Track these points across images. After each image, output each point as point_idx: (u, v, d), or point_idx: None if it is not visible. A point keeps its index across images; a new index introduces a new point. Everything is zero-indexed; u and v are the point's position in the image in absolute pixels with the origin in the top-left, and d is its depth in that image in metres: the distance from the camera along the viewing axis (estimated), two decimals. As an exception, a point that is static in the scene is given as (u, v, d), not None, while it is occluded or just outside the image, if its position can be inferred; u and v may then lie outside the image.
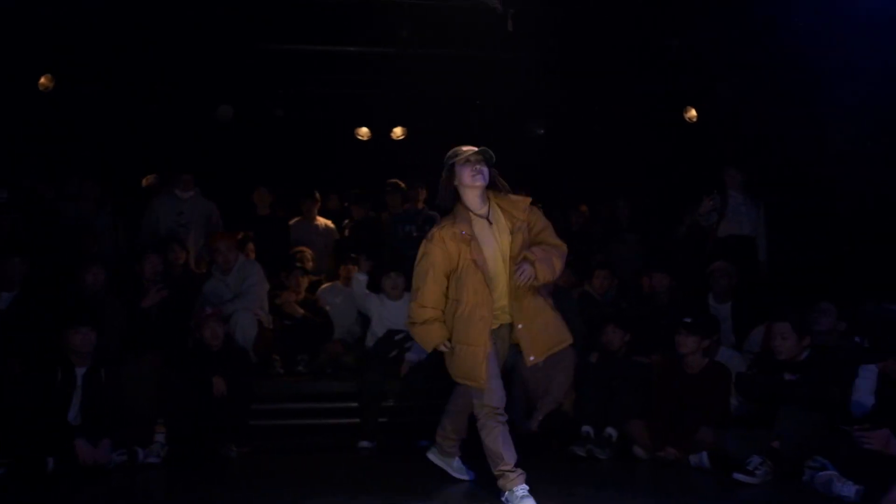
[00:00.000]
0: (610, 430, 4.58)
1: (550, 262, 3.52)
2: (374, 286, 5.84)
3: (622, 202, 7.24)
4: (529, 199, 3.63)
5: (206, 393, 4.84)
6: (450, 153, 3.58)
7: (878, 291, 4.87)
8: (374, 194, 7.62)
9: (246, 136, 8.34)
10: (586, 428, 4.61)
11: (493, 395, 3.52)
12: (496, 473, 3.53)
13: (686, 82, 7.73)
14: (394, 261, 6.17)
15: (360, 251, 6.21)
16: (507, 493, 3.48)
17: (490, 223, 3.57)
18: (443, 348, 3.60)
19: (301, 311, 6.00)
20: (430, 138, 8.82)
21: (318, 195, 7.51)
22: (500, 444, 3.49)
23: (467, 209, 3.56)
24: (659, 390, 4.61)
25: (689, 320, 4.51)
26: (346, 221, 7.44)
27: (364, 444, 5.09)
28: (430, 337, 3.58)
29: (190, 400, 4.82)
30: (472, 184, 3.50)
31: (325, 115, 8.70)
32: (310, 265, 6.59)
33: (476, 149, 3.53)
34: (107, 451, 4.42)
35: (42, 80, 7.14)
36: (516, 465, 3.51)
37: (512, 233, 3.56)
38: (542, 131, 8.81)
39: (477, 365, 3.47)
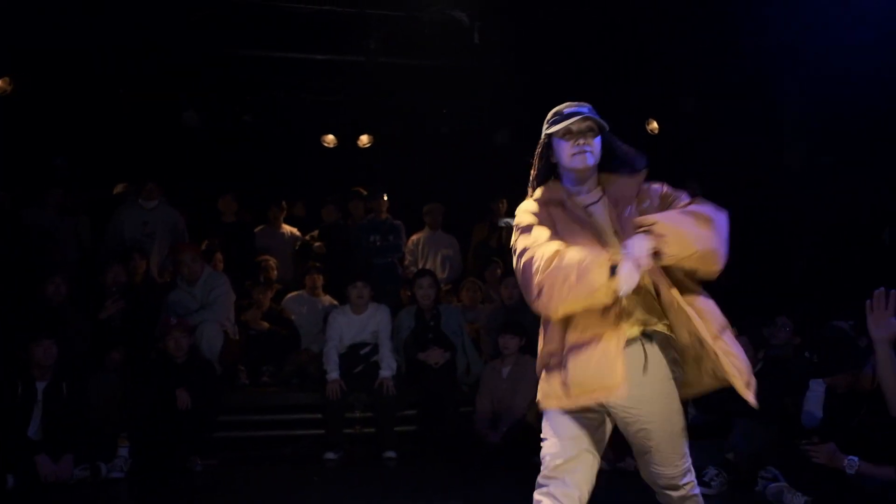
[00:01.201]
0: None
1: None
2: (339, 296, 5.86)
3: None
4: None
5: (170, 405, 4.82)
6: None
7: (831, 307, 5.04)
8: (342, 201, 7.64)
9: (212, 142, 8.28)
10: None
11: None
12: None
13: (650, 95, 7.91)
14: (360, 270, 6.22)
15: (327, 257, 6.18)
16: None
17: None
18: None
19: (266, 325, 6.00)
20: (396, 146, 8.92)
21: (284, 203, 7.50)
22: None
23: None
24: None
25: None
26: (315, 232, 7.43)
27: (330, 455, 5.11)
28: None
29: (154, 412, 4.80)
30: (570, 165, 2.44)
31: (292, 123, 8.69)
32: (274, 274, 6.58)
33: (584, 111, 2.44)
34: (69, 466, 4.39)
35: (0, 83, 7.01)
36: None
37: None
38: (508, 140, 8.90)
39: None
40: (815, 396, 4.02)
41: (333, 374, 5.24)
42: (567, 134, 2.44)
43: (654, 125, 8.03)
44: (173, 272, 5.98)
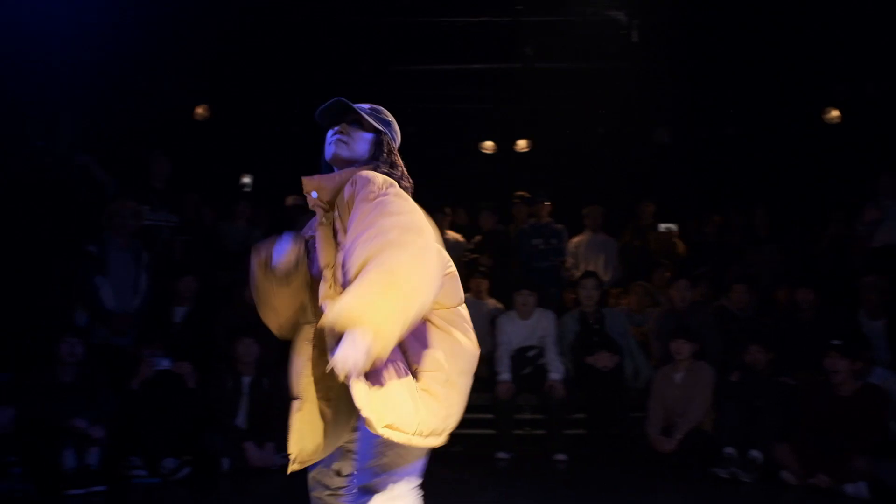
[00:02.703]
0: (754, 453, 4.53)
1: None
2: (504, 299, 6.01)
3: (760, 210, 6.96)
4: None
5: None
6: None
7: None
8: (501, 207, 7.81)
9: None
10: (729, 449, 4.59)
11: None
12: None
13: (828, 81, 7.43)
14: (523, 277, 6.35)
15: (489, 263, 6.34)
16: None
17: None
18: None
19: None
20: (554, 150, 8.99)
21: (447, 209, 7.78)
22: None
23: None
24: (807, 413, 4.50)
25: (838, 343, 4.37)
26: (478, 238, 7.65)
27: (501, 454, 5.29)
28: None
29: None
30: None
31: (451, 131, 9.00)
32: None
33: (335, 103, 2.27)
34: (272, 453, 4.87)
35: (198, 110, 7.83)
36: None
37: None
38: (668, 140, 8.71)
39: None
40: None
41: (505, 375, 5.41)
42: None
43: (834, 114, 7.53)
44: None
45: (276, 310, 2.26)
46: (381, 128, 2.30)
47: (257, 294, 2.25)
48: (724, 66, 7.72)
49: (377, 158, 2.26)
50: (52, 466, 4.17)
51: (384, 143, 2.29)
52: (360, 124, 2.28)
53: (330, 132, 2.27)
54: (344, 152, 2.25)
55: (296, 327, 2.29)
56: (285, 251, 2.16)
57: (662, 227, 7.33)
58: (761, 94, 7.93)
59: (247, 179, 8.09)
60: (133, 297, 5.39)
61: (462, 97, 8.67)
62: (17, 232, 5.57)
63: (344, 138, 2.24)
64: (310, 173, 2.26)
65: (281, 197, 7.70)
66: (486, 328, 6.27)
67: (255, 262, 2.22)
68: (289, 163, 8.46)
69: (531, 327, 5.60)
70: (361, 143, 2.27)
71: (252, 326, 5.16)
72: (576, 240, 7.46)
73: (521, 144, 9.03)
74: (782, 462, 4.47)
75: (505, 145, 9.06)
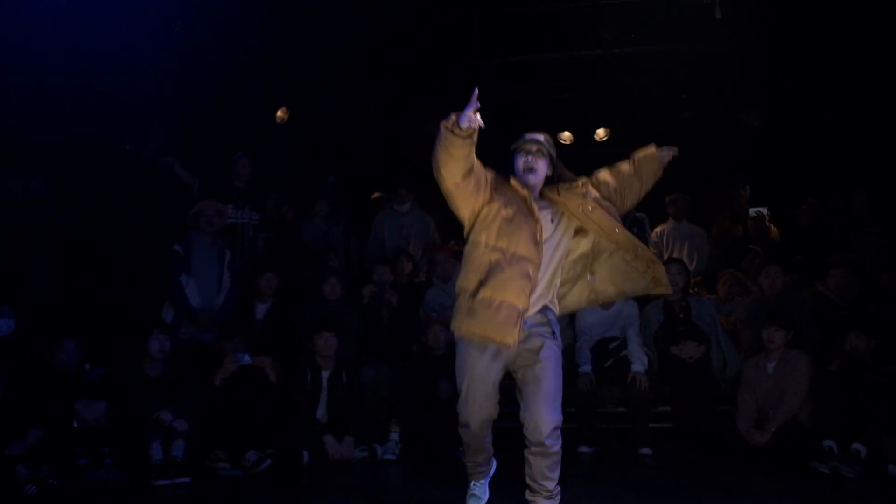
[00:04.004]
0: (857, 446, 4.24)
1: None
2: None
3: (859, 193, 6.58)
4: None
5: (433, 395, 5.18)
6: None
7: None
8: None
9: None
10: (828, 442, 4.31)
11: (470, 403, 3.28)
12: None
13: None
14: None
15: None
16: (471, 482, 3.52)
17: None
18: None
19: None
20: (635, 137, 8.69)
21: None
22: (470, 446, 3.43)
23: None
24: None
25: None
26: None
27: (584, 448, 5.14)
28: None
29: (419, 401, 5.18)
30: (521, 177, 3.23)
31: (528, 122, 8.85)
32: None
33: (539, 138, 3.24)
34: (350, 447, 4.90)
35: (279, 113, 8.02)
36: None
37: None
38: (759, 123, 8.27)
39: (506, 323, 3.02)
40: None
41: (585, 367, 5.26)
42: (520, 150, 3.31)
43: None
44: (428, 272, 6.41)
45: (459, 159, 3.06)
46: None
47: (442, 149, 3.06)
48: (816, 43, 7.27)
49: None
50: (141, 458, 4.32)
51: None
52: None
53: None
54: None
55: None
56: (469, 116, 2.99)
57: (753, 211, 6.98)
58: (855, 73, 7.43)
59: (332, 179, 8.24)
60: (217, 295, 5.55)
61: (540, 87, 8.51)
62: (109, 233, 5.85)
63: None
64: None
65: (358, 194, 7.78)
66: (565, 319, 6.11)
67: (444, 125, 3.03)
68: (366, 161, 8.58)
69: (612, 317, 5.43)
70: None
71: (332, 321, 5.25)
72: (659, 229, 7.21)
73: (601, 133, 8.79)
74: (889, 456, 4.17)
75: (584, 135, 8.84)
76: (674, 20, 6.94)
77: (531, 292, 3.09)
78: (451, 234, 7.15)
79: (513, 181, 3.20)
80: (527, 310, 3.09)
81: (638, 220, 6.95)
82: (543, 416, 3.06)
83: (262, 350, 5.22)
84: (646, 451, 5.01)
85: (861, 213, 6.55)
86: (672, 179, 7.61)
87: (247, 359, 5.00)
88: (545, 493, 3.21)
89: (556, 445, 3.10)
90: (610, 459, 5.03)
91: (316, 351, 5.13)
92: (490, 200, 3.15)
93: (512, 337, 3.03)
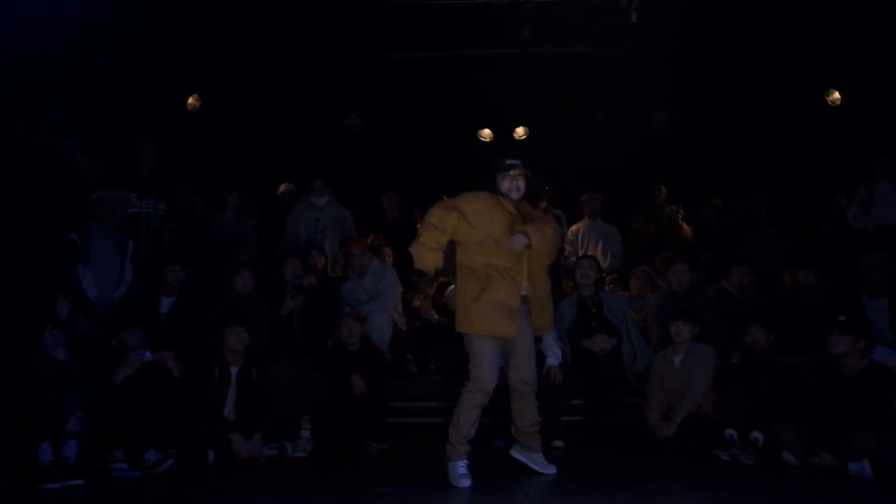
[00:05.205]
0: (756, 434, 4.40)
1: (542, 230, 4.02)
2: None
3: (759, 194, 6.90)
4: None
5: (346, 391, 5.06)
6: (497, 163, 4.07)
7: None
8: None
9: (374, 143, 8.62)
10: (730, 431, 4.46)
11: (491, 377, 4.01)
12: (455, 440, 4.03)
13: (828, 63, 7.27)
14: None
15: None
16: (450, 462, 4.01)
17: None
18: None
19: (436, 315, 6.16)
20: (552, 136, 8.82)
21: (445, 198, 7.63)
22: (475, 418, 4.08)
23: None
24: (812, 393, 4.37)
25: (842, 318, 4.26)
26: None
27: (498, 443, 5.13)
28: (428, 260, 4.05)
29: (332, 397, 5.06)
30: (507, 195, 4.02)
31: (447, 119, 8.85)
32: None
33: (518, 164, 4.03)
34: (259, 444, 4.73)
35: (190, 100, 7.70)
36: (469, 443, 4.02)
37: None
38: (667, 123, 8.53)
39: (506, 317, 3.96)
40: None
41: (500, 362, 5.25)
42: (506, 175, 4.03)
43: (836, 95, 7.37)
44: (344, 266, 6.29)
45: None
46: None
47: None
48: (723, 48, 7.55)
49: None
50: (28, 460, 4.02)
51: None
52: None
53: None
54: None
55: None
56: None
57: (668, 209, 7.23)
58: (761, 77, 7.77)
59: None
60: (117, 287, 5.27)
61: (458, 84, 8.51)
62: (-3, 220, 5.44)
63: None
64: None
65: (272, 187, 7.57)
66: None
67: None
68: (282, 154, 8.35)
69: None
70: None
71: (242, 315, 5.06)
72: (574, 227, 7.32)
73: (520, 132, 8.87)
74: (784, 443, 4.34)
75: (503, 133, 8.90)
76: (591, 22, 7.07)
77: (517, 292, 4.01)
78: (368, 228, 7.05)
79: (501, 200, 4.01)
80: (518, 306, 4.02)
81: (556, 216, 7.03)
82: (532, 369, 4.16)
83: (166, 345, 4.97)
84: (558, 443, 5.05)
85: (761, 214, 6.86)
86: (587, 179, 7.85)
87: (147, 355, 4.75)
88: (537, 429, 4.22)
89: (535, 387, 4.18)
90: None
91: (225, 346, 4.93)
92: (472, 228, 3.95)
93: (512, 329, 3.99)
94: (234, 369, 4.91)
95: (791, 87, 7.69)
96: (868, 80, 7.02)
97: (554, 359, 5.21)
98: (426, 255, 4.01)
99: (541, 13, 7.10)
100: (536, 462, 4.23)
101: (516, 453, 4.29)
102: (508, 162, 4.02)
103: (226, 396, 4.87)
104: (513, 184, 3.99)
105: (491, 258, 3.96)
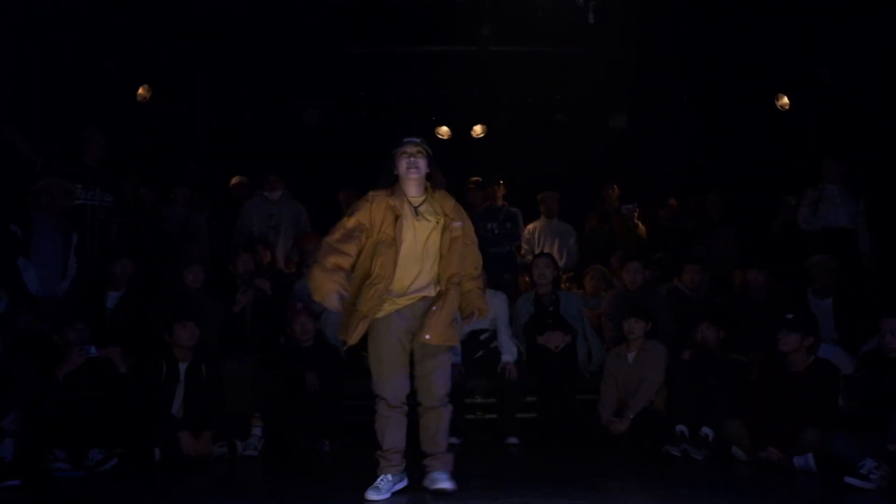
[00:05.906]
0: (706, 430, 4.46)
1: (483, 299, 3.79)
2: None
3: (713, 195, 7.03)
4: (453, 202, 3.76)
5: (299, 388, 4.98)
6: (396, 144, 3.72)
7: None
8: (457, 194, 7.63)
9: (331, 138, 8.53)
10: (681, 427, 4.51)
11: (390, 386, 3.67)
12: (377, 455, 3.69)
13: (778, 68, 7.45)
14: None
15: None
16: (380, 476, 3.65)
17: (417, 214, 3.64)
18: (334, 301, 3.44)
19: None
20: (510, 135, 8.84)
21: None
22: (387, 428, 3.70)
23: (404, 194, 3.67)
24: (760, 389, 4.45)
25: (790, 317, 4.34)
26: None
27: (451, 440, 5.09)
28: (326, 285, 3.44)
29: (284, 394, 4.97)
30: (406, 176, 3.63)
31: (406, 116, 8.81)
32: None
33: (416, 141, 3.67)
34: (208, 443, 4.61)
35: (140, 90, 7.50)
36: (400, 453, 3.69)
37: (440, 229, 3.66)
38: (625, 125, 8.64)
39: (353, 326, 3.60)
40: None
41: (455, 359, 5.23)
42: (403, 154, 3.64)
43: (785, 100, 7.55)
44: (299, 262, 6.18)
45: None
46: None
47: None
48: (678, 51, 7.68)
49: None
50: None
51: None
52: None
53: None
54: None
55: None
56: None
57: (625, 208, 7.31)
58: (714, 81, 7.93)
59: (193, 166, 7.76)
60: (61, 281, 5.09)
61: (417, 80, 8.47)
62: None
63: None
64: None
65: (224, 181, 7.41)
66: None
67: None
68: (235, 148, 8.20)
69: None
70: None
71: (192, 311, 4.93)
72: (531, 226, 7.35)
73: (478, 130, 8.87)
74: (733, 438, 4.42)
75: (461, 131, 8.89)
76: (549, 22, 7.10)
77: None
78: (323, 224, 6.94)
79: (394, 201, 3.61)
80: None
81: (512, 214, 7.05)
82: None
83: (112, 341, 4.82)
84: (513, 440, 5.06)
85: (715, 215, 6.99)
86: (544, 178, 7.89)
87: (92, 351, 4.59)
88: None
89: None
90: (477, 450, 5.03)
91: (175, 341, 4.80)
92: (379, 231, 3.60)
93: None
94: (182, 366, 4.79)
95: (743, 91, 7.87)
96: (816, 85, 7.20)
97: (510, 355, 5.22)
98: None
99: (500, 12, 7.11)
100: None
101: None
102: (407, 139, 3.65)
103: (174, 394, 4.74)
104: (410, 162, 3.59)
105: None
